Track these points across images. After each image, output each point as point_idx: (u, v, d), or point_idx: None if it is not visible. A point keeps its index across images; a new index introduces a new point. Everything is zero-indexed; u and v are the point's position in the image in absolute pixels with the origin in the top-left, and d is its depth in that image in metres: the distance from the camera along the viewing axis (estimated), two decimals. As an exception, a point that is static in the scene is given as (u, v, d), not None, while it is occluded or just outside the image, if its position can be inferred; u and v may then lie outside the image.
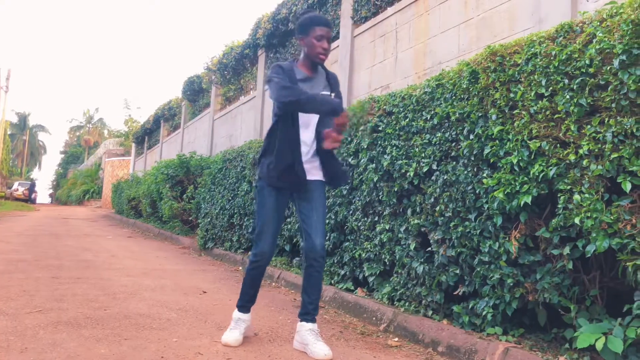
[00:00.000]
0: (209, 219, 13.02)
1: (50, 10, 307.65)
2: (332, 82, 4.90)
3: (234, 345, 4.73)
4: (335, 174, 4.92)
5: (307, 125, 4.76)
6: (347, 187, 7.19)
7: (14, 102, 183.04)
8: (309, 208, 4.80)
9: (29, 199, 60.47)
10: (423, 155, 5.75)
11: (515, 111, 4.69)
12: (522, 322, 4.95)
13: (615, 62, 3.88)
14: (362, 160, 6.81)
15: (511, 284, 4.65)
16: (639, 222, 3.72)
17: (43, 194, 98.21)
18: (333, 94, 4.79)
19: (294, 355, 4.68)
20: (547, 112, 4.39)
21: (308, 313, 4.80)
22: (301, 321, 4.79)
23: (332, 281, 7.30)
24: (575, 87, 4.18)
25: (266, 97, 17.63)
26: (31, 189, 62.80)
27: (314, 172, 4.82)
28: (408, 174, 5.90)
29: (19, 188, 63.35)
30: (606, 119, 3.96)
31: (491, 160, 4.91)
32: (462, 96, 5.32)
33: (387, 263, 6.33)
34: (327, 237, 7.56)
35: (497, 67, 4.95)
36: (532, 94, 4.54)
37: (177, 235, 16.50)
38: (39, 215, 32.14)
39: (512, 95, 4.74)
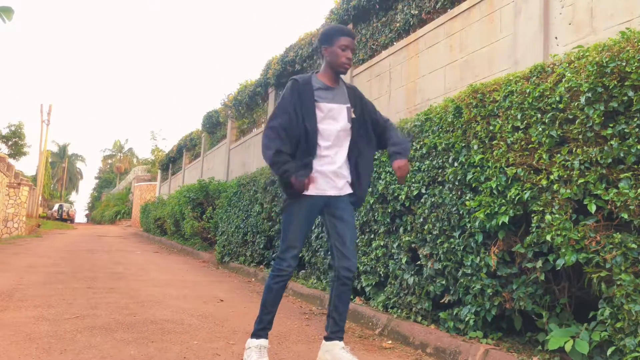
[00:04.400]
0: (225, 237, 13.03)
1: (85, 50, 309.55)
2: (351, 95, 4.40)
3: None
4: (360, 196, 4.37)
5: (336, 144, 4.24)
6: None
7: (54, 134, 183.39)
8: (342, 226, 4.24)
9: (58, 218, 60.58)
10: (413, 180, 5.76)
11: (494, 142, 4.71)
12: (500, 326, 4.94)
13: (582, 99, 3.91)
14: (360, 185, 6.80)
15: (491, 293, 4.65)
16: (602, 239, 3.74)
17: (80, 215, 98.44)
18: (353, 109, 4.34)
19: (302, 357, 4.69)
20: (522, 143, 4.41)
21: (340, 330, 4.25)
22: (332, 340, 4.24)
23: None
24: (547, 120, 4.20)
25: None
26: (60, 209, 62.93)
27: (343, 189, 4.27)
28: (400, 197, 5.91)
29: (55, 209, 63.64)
30: (574, 149, 3.98)
31: (473, 185, 4.93)
32: (448, 129, 5.34)
33: (382, 275, 6.32)
34: (329, 253, 7.56)
35: (478, 103, 4.98)
36: (509, 126, 4.56)
37: (197, 250, 16.48)
38: (76, 233, 32.20)
39: (491, 127, 4.76)
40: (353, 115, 4.34)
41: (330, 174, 4.21)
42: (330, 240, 4.34)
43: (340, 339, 4.25)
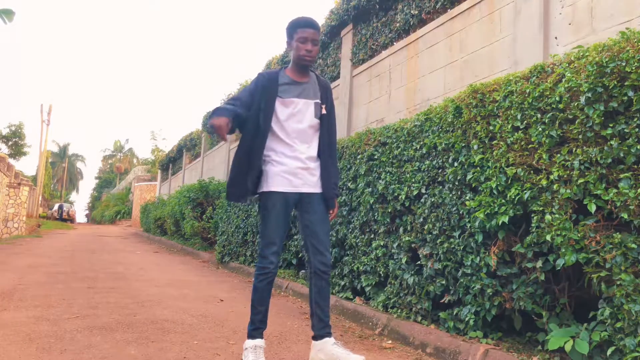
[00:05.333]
0: (225, 237, 13.03)
1: (85, 50, 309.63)
2: (322, 91, 4.40)
3: None
4: (330, 195, 4.37)
5: (306, 141, 4.27)
6: (347, 208, 7.19)
7: (54, 134, 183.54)
8: (315, 222, 4.27)
9: (59, 217, 60.43)
10: (413, 180, 5.76)
11: (494, 142, 4.71)
12: (500, 326, 4.94)
13: (582, 99, 3.90)
14: (359, 185, 6.82)
15: (491, 293, 4.65)
16: (602, 239, 3.73)
17: (80, 215, 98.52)
18: (324, 105, 4.36)
19: (302, 356, 4.69)
20: (522, 143, 4.40)
21: (327, 326, 4.24)
22: (322, 337, 4.20)
23: (334, 291, 7.27)
24: (546, 120, 4.20)
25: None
26: (60, 209, 62.75)
27: (315, 186, 4.28)
28: (400, 196, 5.91)
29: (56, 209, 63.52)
30: (574, 149, 3.97)
31: (473, 185, 4.93)
32: (448, 129, 5.34)
33: (382, 275, 6.32)
34: (330, 252, 7.57)
35: (478, 103, 4.98)
36: (509, 126, 4.56)
37: (197, 250, 16.49)
38: (76, 233, 32.22)
39: (491, 127, 4.76)
40: (324, 112, 4.36)
41: (300, 170, 4.23)
42: (303, 235, 4.36)
43: (329, 335, 4.24)
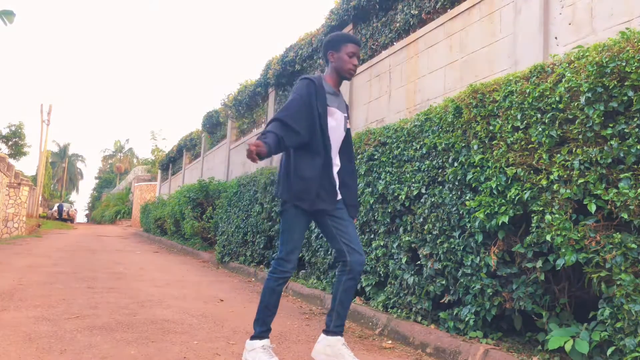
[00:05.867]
0: (225, 236, 13.03)
1: (85, 50, 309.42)
2: (345, 105, 4.50)
3: None
4: (355, 205, 4.49)
5: (335, 152, 4.36)
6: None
7: (54, 134, 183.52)
8: (345, 224, 4.32)
9: (59, 217, 60.09)
10: (413, 180, 5.76)
11: (494, 142, 4.71)
12: (500, 326, 4.94)
13: (582, 99, 3.91)
14: (359, 185, 6.81)
15: (490, 293, 4.66)
16: (602, 239, 3.74)
17: (80, 215, 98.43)
18: (348, 120, 4.46)
19: (302, 356, 4.69)
20: (522, 143, 4.41)
21: (342, 324, 4.28)
22: (335, 334, 4.23)
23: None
24: (546, 120, 4.20)
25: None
26: (60, 209, 62.34)
27: (338, 193, 4.34)
28: (400, 196, 5.91)
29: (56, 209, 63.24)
30: (574, 149, 3.98)
31: (473, 185, 4.93)
32: (448, 129, 5.34)
33: (382, 275, 6.32)
34: (330, 253, 7.60)
35: (478, 103, 4.98)
36: (509, 126, 4.56)
37: (197, 250, 16.49)
38: (76, 233, 32.21)
39: (491, 127, 4.76)
40: (348, 126, 4.46)
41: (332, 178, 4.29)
42: (335, 239, 4.35)
43: (342, 334, 4.27)
